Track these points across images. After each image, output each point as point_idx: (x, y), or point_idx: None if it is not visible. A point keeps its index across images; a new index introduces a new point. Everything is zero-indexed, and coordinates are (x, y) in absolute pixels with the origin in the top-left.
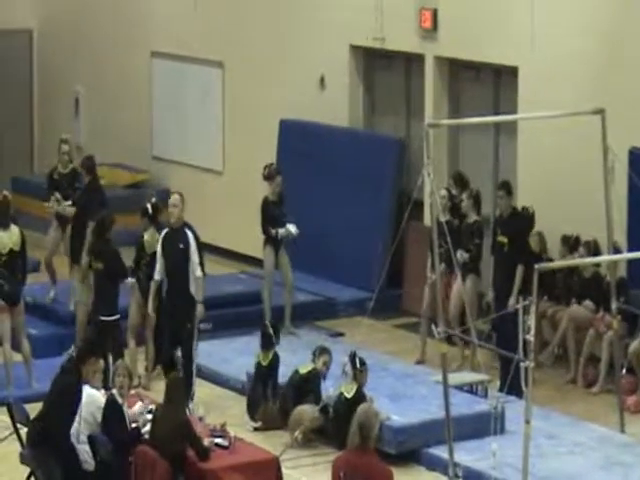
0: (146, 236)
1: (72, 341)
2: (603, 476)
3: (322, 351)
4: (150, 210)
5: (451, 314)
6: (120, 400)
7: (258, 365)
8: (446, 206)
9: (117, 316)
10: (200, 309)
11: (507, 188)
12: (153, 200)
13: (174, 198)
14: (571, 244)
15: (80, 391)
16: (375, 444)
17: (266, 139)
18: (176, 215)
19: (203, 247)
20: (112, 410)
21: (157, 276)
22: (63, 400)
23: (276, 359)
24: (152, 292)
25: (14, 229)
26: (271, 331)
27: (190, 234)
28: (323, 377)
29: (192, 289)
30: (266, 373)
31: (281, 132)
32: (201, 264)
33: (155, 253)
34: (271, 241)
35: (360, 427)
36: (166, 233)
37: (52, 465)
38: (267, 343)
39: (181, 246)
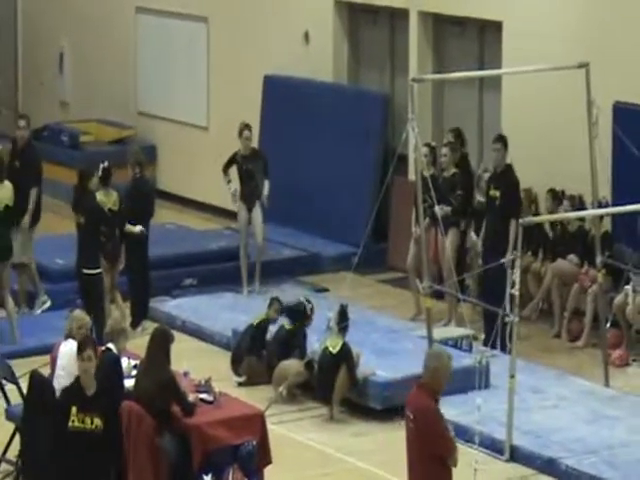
0: (98, 196)
1: (57, 296)
2: (588, 430)
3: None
4: (100, 173)
5: (445, 269)
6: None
7: (251, 326)
8: (429, 160)
9: (100, 270)
10: None
11: (504, 141)
12: (106, 163)
13: None
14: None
15: None
16: (436, 386)
17: (251, 94)
18: None
19: (188, 202)
20: (115, 366)
21: None
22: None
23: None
24: None
25: (7, 185)
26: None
27: None
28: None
29: None
30: (256, 334)
31: (265, 87)
32: None
33: (110, 210)
34: (242, 196)
35: (425, 359)
36: None
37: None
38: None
39: None
